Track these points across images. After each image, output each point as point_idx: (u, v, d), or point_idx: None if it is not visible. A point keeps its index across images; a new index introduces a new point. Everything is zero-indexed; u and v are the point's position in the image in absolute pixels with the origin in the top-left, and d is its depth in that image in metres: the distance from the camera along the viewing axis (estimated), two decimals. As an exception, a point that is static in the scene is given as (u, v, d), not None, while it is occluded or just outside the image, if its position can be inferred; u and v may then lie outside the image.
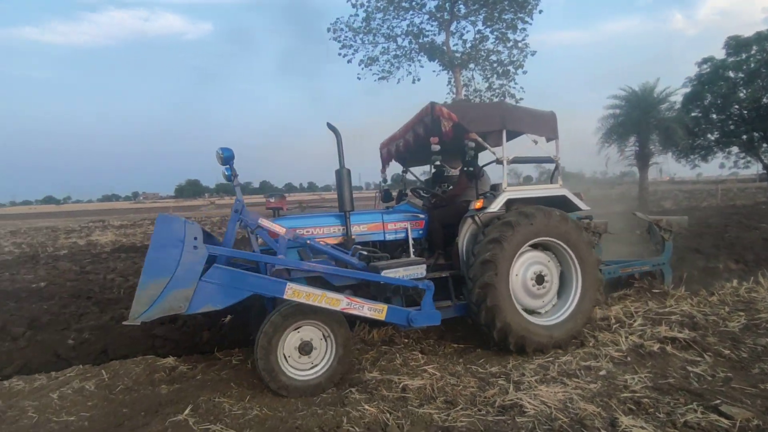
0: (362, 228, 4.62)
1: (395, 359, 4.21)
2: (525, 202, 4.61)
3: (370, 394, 3.47)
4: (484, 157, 5.86)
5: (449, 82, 19.13)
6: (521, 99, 18.59)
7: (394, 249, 4.73)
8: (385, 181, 5.96)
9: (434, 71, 19.21)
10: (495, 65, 18.66)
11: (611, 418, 2.92)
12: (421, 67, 19.50)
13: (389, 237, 4.71)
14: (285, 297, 3.57)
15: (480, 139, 4.50)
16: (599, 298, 4.77)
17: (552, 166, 5.05)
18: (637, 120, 20.76)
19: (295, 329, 3.70)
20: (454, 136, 4.32)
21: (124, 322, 3.43)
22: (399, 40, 19.01)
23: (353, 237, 4.49)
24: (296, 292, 3.56)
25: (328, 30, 18.78)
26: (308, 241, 4.27)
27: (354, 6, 18.30)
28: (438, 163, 5.46)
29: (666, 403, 3.13)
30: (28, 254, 14.08)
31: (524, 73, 18.57)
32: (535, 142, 4.78)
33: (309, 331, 3.74)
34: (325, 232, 4.51)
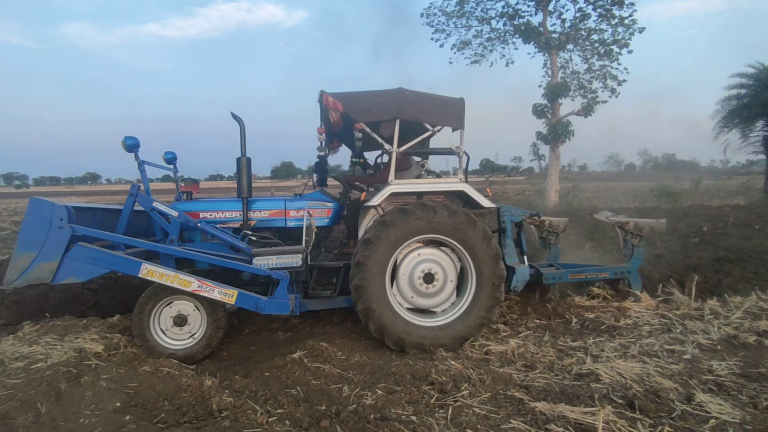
0: (263, 214, 4.76)
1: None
2: (417, 195, 4.50)
3: (455, 353, 3.92)
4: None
5: (545, 64, 18.41)
6: (624, 81, 17.38)
7: (298, 236, 4.65)
8: (323, 150, 5.38)
9: (529, 54, 18.57)
10: (596, 45, 17.57)
11: (688, 394, 3.05)
12: (516, 49, 18.93)
13: (291, 224, 4.76)
14: (140, 276, 3.88)
15: (368, 129, 4.42)
16: (488, 316, 4.29)
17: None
18: (768, 101, 18.30)
19: (167, 304, 4.11)
20: (345, 126, 4.35)
21: (5, 284, 3.95)
22: (493, 22, 18.64)
23: (252, 222, 4.67)
24: (150, 272, 3.87)
25: (422, 15, 18.99)
26: (198, 224, 4.50)
27: (448, -11, 18.27)
28: (322, 154, 5.25)
29: (752, 389, 3.16)
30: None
31: (629, 52, 17.27)
32: (433, 132, 4.58)
33: (181, 305, 4.12)
34: (226, 216, 4.70)
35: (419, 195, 4.51)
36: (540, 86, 17.85)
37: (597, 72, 17.96)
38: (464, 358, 3.79)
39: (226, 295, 3.93)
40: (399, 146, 4.44)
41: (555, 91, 16.86)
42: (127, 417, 2.99)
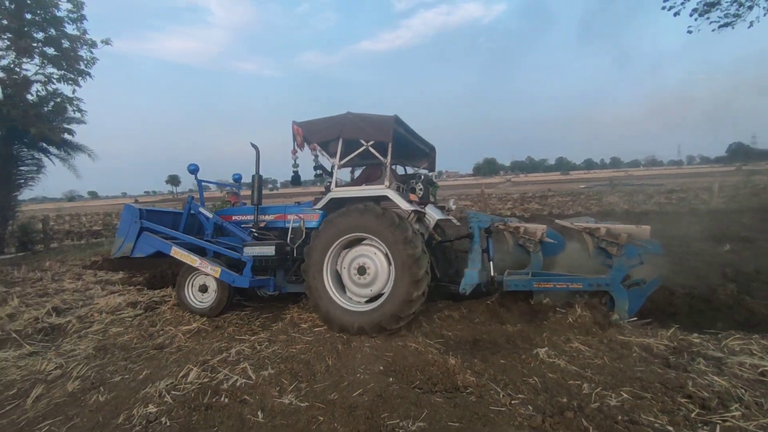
0: (270, 217, 6.09)
1: (751, 345, 3.87)
2: (354, 201, 5.09)
3: (718, 368, 3.44)
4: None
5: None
6: None
7: (294, 234, 5.78)
8: (296, 166, 5.83)
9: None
10: None
11: None
12: (791, -1, 14.82)
13: (288, 225, 5.85)
14: (171, 255, 5.68)
15: (319, 148, 5.66)
16: (412, 292, 4.63)
17: None
18: None
19: (194, 277, 5.92)
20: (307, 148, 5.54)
21: (109, 256, 6.60)
22: (754, -29, 14.97)
23: (262, 223, 6.03)
24: (176, 252, 5.67)
25: (651, -18, 16.51)
26: (223, 224, 6.20)
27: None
28: (295, 170, 5.75)
29: None
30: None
31: None
32: (365, 145, 5.28)
33: (204, 279, 5.86)
34: (247, 218, 6.21)
35: (358, 200, 5.11)
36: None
37: None
38: (731, 376, 3.29)
39: (214, 270, 5.53)
40: (354, 160, 5.53)
41: None
42: (390, 379, 3.62)
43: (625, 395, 3.17)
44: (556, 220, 5.84)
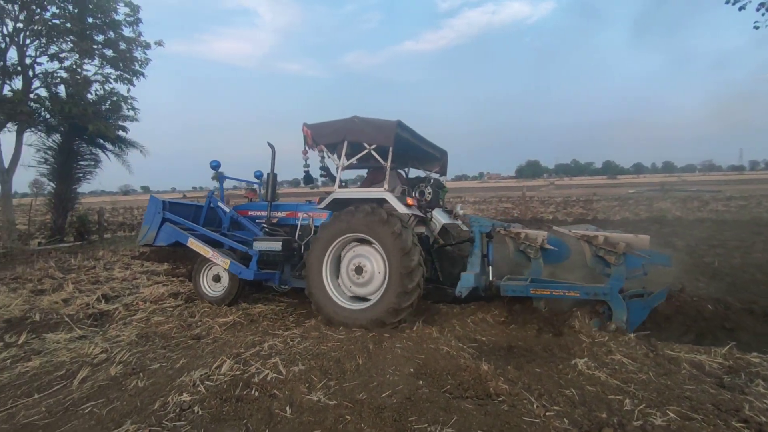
0: (283, 214, 6.44)
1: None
2: (355, 202, 5.22)
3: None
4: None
5: None
6: None
7: (303, 231, 6.16)
8: (307, 166, 6.03)
9: None
10: None
11: None
12: None
13: (298, 222, 6.25)
14: (187, 245, 5.96)
15: (325, 149, 5.68)
16: (406, 284, 4.80)
17: None
18: None
19: (209, 268, 6.25)
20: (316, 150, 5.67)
21: (137, 242, 6.84)
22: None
23: (275, 219, 6.39)
24: (192, 243, 5.96)
25: (713, -24, 15.53)
26: (238, 218, 6.55)
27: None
28: (306, 170, 5.93)
29: None
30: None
31: None
32: (367, 148, 5.39)
33: (219, 270, 6.14)
34: (261, 214, 6.54)
35: (359, 201, 5.23)
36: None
37: None
38: (794, 401, 3.01)
39: (224, 262, 5.79)
40: (359, 162, 5.71)
41: None
42: (420, 382, 3.54)
43: (671, 415, 2.95)
44: (554, 227, 5.72)
